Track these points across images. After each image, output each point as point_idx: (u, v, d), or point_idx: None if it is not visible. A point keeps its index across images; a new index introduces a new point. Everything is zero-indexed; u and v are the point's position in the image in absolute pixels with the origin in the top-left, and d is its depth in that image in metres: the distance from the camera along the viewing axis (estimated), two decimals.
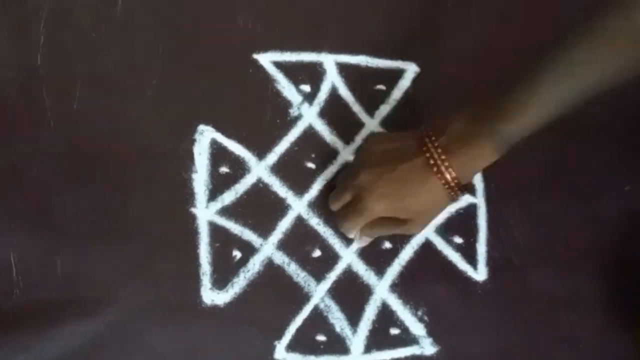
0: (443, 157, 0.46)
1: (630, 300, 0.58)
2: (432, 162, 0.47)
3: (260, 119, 0.58)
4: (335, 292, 0.57)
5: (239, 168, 0.57)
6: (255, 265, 0.56)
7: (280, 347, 0.55)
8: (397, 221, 0.50)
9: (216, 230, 0.56)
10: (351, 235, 0.55)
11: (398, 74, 0.61)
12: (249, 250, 0.56)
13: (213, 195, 0.56)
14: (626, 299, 0.59)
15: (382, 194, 0.49)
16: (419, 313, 0.57)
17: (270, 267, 0.56)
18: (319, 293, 0.56)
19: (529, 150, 0.60)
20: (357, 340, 0.56)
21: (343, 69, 0.60)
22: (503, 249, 0.59)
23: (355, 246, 0.57)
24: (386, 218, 0.50)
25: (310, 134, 0.59)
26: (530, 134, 0.47)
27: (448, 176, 0.47)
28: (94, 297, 0.53)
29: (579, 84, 0.45)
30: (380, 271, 0.58)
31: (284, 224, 0.57)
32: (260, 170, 0.57)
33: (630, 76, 0.44)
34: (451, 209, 0.59)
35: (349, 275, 0.57)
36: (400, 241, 0.58)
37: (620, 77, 0.44)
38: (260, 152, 0.57)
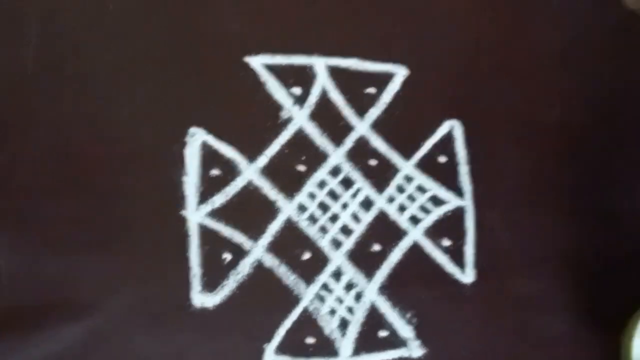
0: None
1: (614, 306, 0.59)
2: None
3: (251, 121, 0.58)
4: (324, 294, 0.57)
5: (230, 171, 0.57)
6: (245, 267, 0.56)
7: (270, 350, 0.55)
8: None
9: (206, 233, 0.56)
10: None
11: (388, 77, 0.61)
12: (239, 252, 0.56)
13: (203, 197, 0.56)
14: (609, 304, 0.60)
15: None
16: (408, 315, 0.58)
17: (260, 269, 0.56)
18: (308, 296, 0.57)
19: (512, 155, 0.62)
20: (346, 342, 0.57)
21: (334, 72, 0.60)
22: (489, 251, 0.60)
23: (346, 248, 0.58)
24: None
25: (300, 137, 0.59)
26: None
27: None
28: (81, 300, 0.53)
29: None
30: (369, 273, 0.58)
31: (274, 227, 0.57)
32: (250, 172, 0.57)
33: None
34: (439, 211, 0.60)
35: (338, 278, 0.58)
36: (389, 243, 0.59)
37: None
38: (251, 155, 0.57)
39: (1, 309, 0.52)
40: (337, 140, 0.60)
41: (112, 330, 0.53)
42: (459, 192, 0.61)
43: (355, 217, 0.59)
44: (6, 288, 0.52)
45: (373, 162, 0.60)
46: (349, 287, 0.58)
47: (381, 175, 0.60)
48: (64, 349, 0.52)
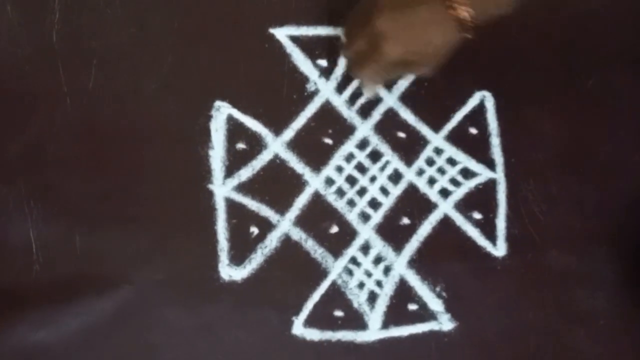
0: None
1: None
2: (448, 2, 0.46)
3: (277, 94, 0.57)
4: (352, 268, 0.57)
5: (256, 144, 0.57)
6: (272, 241, 0.56)
7: (298, 322, 0.55)
8: (408, 64, 0.50)
9: (233, 207, 0.56)
10: (364, 85, 0.56)
11: None
12: (266, 226, 0.56)
13: (230, 171, 0.56)
14: None
15: (399, 40, 0.48)
16: (437, 289, 0.57)
17: (287, 243, 0.56)
18: (336, 269, 0.56)
19: (548, 126, 0.60)
20: (374, 316, 0.56)
21: None
22: (523, 225, 0.58)
23: (374, 222, 0.57)
24: (398, 62, 0.50)
25: (327, 110, 0.58)
26: None
27: (463, 13, 0.46)
28: (112, 273, 0.54)
29: None
30: (398, 247, 0.57)
31: (301, 200, 0.57)
32: (277, 146, 0.57)
33: None
34: (470, 184, 0.59)
35: (366, 251, 0.57)
36: (419, 217, 0.58)
37: None
38: (277, 128, 0.57)
39: (36, 281, 0.53)
40: (365, 112, 0.59)
41: (142, 302, 0.53)
42: (490, 164, 0.59)
43: (384, 190, 0.58)
44: (41, 260, 0.53)
45: (402, 135, 0.59)
46: (378, 260, 0.57)
47: (410, 147, 0.59)
48: (97, 320, 0.53)
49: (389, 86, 0.59)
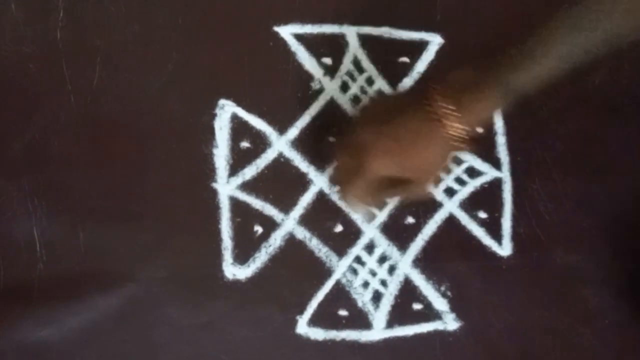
0: (449, 107, 0.43)
1: None
2: (435, 115, 0.43)
3: (281, 92, 0.57)
4: (357, 267, 0.56)
5: (260, 143, 0.56)
6: (276, 240, 0.56)
7: (302, 321, 0.55)
8: (402, 184, 0.47)
9: (237, 205, 0.56)
10: (356, 209, 0.54)
11: (422, 45, 0.59)
12: (271, 225, 0.56)
13: (234, 170, 0.56)
14: None
15: (384, 151, 0.44)
16: (442, 288, 0.56)
17: (291, 242, 0.56)
18: (340, 268, 0.56)
19: (554, 125, 0.60)
20: (379, 315, 0.56)
21: (365, 41, 0.59)
22: (529, 224, 0.58)
23: (378, 221, 0.57)
24: (390, 181, 0.46)
25: (331, 108, 0.58)
26: (540, 85, 0.45)
27: (453, 127, 0.43)
28: (116, 271, 0.54)
29: (593, 34, 0.43)
30: (403, 246, 0.57)
31: (306, 199, 0.57)
32: (281, 144, 0.57)
33: None
34: (476, 183, 0.58)
35: (371, 251, 0.57)
36: (424, 216, 0.57)
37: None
38: (282, 127, 0.57)
39: (40, 278, 0.53)
40: None
41: (146, 300, 0.53)
42: (496, 163, 0.59)
43: None
44: (45, 258, 0.53)
45: None
46: (382, 259, 0.57)
47: None
48: (101, 317, 0.53)
49: (394, 87, 0.58)
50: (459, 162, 0.59)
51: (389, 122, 0.45)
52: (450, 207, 0.58)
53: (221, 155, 0.56)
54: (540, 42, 0.44)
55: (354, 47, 0.58)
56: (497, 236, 0.58)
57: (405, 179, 0.46)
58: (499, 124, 0.60)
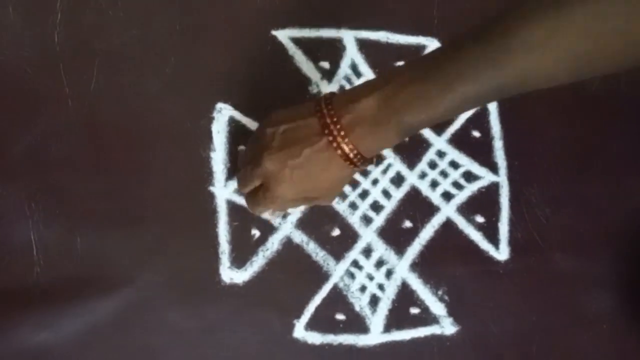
0: (346, 139, 0.44)
1: None
2: (335, 144, 0.44)
3: (279, 96, 0.57)
4: (354, 271, 0.56)
5: None
6: (274, 244, 0.56)
7: (300, 326, 0.55)
8: (307, 200, 0.50)
9: (235, 209, 0.55)
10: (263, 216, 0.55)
11: (419, 50, 0.60)
12: (268, 229, 0.56)
13: (231, 173, 0.56)
14: None
15: (291, 181, 0.46)
16: (440, 292, 0.57)
17: (289, 246, 0.56)
18: (338, 272, 0.56)
19: (552, 129, 0.60)
20: (376, 319, 0.56)
21: (363, 45, 0.59)
22: (526, 228, 0.58)
23: (376, 225, 0.57)
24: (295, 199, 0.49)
25: None
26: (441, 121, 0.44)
27: (351, 155, 0.44)
28: (114, 275, 0.53)
29: (505, 79, 0.39)
30: (400, 250, 0.57)
31: None
32: None
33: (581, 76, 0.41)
34: (473, 187, 0.58)
35: (368, 255, 0.57)
36: (421, 220, 0.57)
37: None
38: None
39: (37, 283, 0.52)
40: None
41: (143, 304, 0.53)
42: (493, 167, 0.59)
43: (386, 193, 0.58)
44: (42, 263, 0.53)
45: None
46: (380, 263, 0.57)
47: (412, 150, 0.59)
48: (98, 321, 0.53)
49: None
50: (456, 166, 0.59)
51: (290, 149, 0.46)
52: (448, 211, 0.58)
53: (219, 158, 0.56)
54: (443, 84, 0.41)
55: (352, 51, 0.59)
56: (494, 240, 0.58)
57: (310, 198, 0.49)
58: (496, 128, 0.60)
